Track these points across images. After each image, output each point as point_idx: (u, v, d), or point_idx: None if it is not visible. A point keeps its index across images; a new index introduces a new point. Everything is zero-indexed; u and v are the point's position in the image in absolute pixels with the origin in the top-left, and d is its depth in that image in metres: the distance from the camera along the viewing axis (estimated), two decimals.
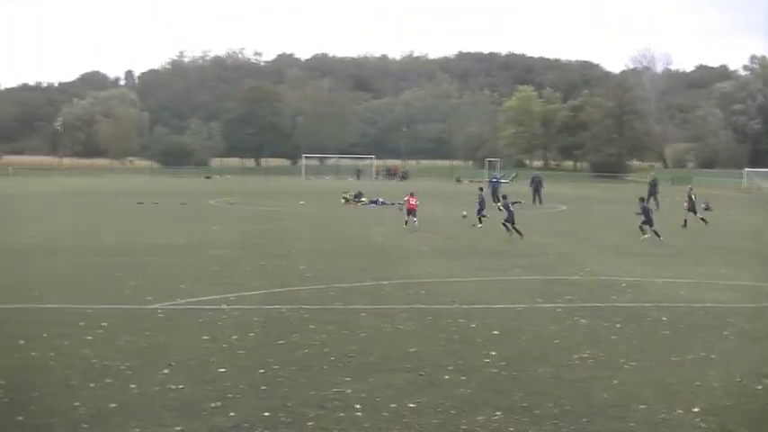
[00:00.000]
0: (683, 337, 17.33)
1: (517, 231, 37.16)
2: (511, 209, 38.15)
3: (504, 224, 37.73)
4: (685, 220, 45.25)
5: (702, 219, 46.07)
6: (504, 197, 40.40)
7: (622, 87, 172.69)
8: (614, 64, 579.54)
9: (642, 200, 39.52)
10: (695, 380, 13.96)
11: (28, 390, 12.92)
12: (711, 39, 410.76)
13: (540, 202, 63.18)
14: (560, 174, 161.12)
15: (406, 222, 41.38)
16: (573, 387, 13.44)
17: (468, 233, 39.74)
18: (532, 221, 44.77)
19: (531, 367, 14.63)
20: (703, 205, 49.50)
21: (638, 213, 38.23)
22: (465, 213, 47.46)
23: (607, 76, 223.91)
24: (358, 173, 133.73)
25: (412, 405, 12.36)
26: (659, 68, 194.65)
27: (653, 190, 61.82)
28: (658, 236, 36.46)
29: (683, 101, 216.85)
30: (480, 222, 42.87)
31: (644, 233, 37.19)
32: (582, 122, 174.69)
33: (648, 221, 37.45)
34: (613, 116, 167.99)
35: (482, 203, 44.27)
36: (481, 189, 47.54)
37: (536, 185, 67.09)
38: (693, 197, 46.69)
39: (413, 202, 41.89)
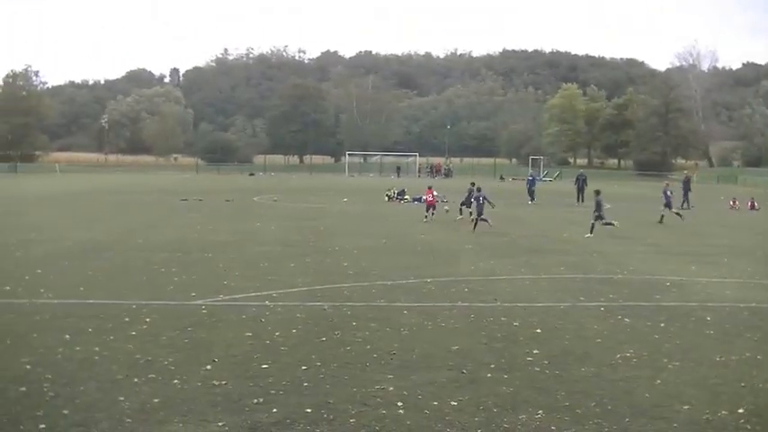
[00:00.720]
0: (727, 337, 17.19)
1: (475, 224, 39.00)
2: (482, 202, 39.82)
3: (477, 217, 39.55)
4: (662, 216, 45.87)
5: (678, 213, 46.87)
6: (479, 189, 41.48)
7: (667, 85, 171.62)
8: (659, 61, 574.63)
9: (597, 192, 39.68)
10: (740, 381, 13.84)
11: (73, 384, 13.03)
12: (759, 35, 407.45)
13: (583, 200, 62.89)
14: (604, 172, 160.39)
15: (426, 217, 43.72)
16: (615, 386, 13.38)
17: (513, 230, 39.61)
18: (576, 220, 44.58)
19: (574, 366, 14.59)
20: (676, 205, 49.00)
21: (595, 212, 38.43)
22: (447, 208, 48.34)
23: (652, 73, 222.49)
24: (398, 170, 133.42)
25: (454, 403, 12.36)
26: (705, 66, 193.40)
27: (686, 188, 61.65)
28: (611, 223, 36.41)
29: (729, 98, 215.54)
30: (461, 214, 44.39)
31: (593, 228, 37.43)
32: (626, 120, 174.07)
33: (600, 216, 37.46)
34: (658, 114, 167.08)
35: (469, 197, 45.05)
36: (473, 184, 48.02)
37: (580, 184, 66.89)
38: (670, 193, 47.45)
39: (430, 197, 43.24)
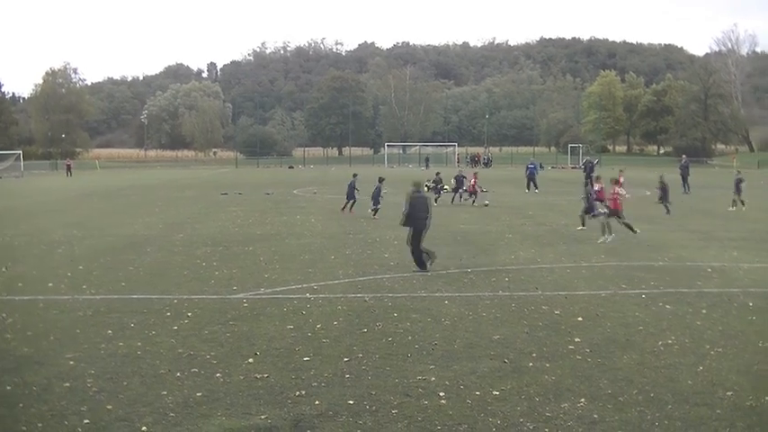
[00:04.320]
0: None
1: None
2: (380, 191, 41.63)
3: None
4: (735, 201, 45.94)
5: (741, 201, 46.54)
6: (438, 173, 42.34)
7: (707, 70, 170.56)
8: (698, 47, 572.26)
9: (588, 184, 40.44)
10: None
11: (117, 379, 13.13)
12: None
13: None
14: (644, 158, 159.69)
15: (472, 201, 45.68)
16: (658, 374, 13.33)
17: (553, 220, 39.51)
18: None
19: (616, 354, 14.54)
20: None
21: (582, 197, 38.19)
22: (487, 202, 48.25)
23: (691, 59, 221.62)
24: (426, 161, 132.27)
25: (496, 392, 12.35)
26: (744, 50, 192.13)
27: (684, 173, 61.28)
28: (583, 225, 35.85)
29: None
30: (435, 202, 44.01)
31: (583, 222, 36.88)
32: (665, 107, 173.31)
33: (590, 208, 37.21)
34: (698, 100, 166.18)
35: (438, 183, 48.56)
36: (438, 173, 49.11)
37: (588, 170, 65.91)
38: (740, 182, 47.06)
39: (473, 181, 44.54)
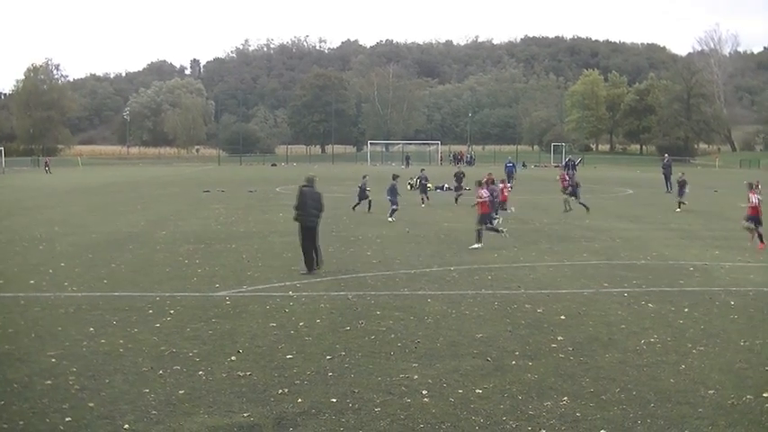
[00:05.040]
0: (752, 322, 17.15)
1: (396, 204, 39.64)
2: (364, 188, 42.05)
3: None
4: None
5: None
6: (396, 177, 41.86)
7: (689, 70, 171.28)
8: (681, 46, 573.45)
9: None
10: (765, 365, 13.82)
11: (98, 376, 13.10)
12: None
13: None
14: (626, 157, 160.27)
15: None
16: (640, 372, 13.37)
17: (535, 218, 39.59)
18: (599, 206, 44.49)
19: (599, 352, 14.58)
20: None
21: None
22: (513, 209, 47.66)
23: (673, 58, 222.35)
24: (407, 159, 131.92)
25: (479, 391, 12.37)
26: (727, 50, 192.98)
27: (667, 172, 61.40)
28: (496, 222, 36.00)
29: (751, 83, 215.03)
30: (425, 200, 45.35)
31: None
32: (648, 106, 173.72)
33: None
34: (680, 99, 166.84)
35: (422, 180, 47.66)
36: (422, 170, 49.24)
37: (570, 169, 65.96)
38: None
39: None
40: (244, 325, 16.72)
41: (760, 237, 28.66)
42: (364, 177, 44.54)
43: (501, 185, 40.30)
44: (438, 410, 11.50)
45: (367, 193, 42.85)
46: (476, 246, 28.75)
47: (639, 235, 32.99)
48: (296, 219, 23.87)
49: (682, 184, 45.80)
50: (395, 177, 41.43)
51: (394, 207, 39.43)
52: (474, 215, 31.11)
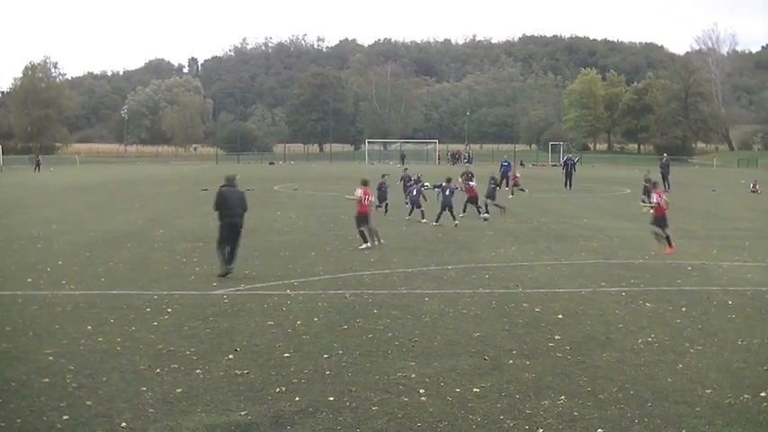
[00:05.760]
0: (749, 321, 17.16)
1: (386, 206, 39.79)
2: (384, 189, 40.62)
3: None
4: (512, 191, 48.80)
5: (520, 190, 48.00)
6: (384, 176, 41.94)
7: (687, 69, 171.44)
8: (679, 45, 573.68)
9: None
10: (762, 364, 13.83)
11: (96, 375, 13.10)
12: None
13: (571, 186, 61.42)
14: (624, 157, 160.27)
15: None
16: (638, 371, 13.38)
17: (533, 217, 39.59)
18: (596, 205, 44.47)
19: (596, 352, 14.59)
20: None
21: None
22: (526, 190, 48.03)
23: (671, 57, 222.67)
24: (402, 158, 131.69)
25: (476, 390, 12.37)
26: (725, 49, 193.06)
27: (665, 172, 61.23)
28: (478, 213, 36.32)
29: (749, 82, 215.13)
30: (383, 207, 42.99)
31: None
32: (646, 105, 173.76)
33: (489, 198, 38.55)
34: (678, 99, 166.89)
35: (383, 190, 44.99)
36: (405, 170, 49.48)
37: (569, 169, 65.71)
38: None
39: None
40: (241, 323, 16.72)
41: (668, 239, 27.98)
42: (384, 177, 43.09)
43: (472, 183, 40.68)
44: (435, 409, 11.50)
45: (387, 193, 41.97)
46: (363, 246, 28.35)
47: (637, 234, 32.96)
48: (219, 220, 23.03)
49: (650, 183, 43.59)
50: (408, 180, 41.55)
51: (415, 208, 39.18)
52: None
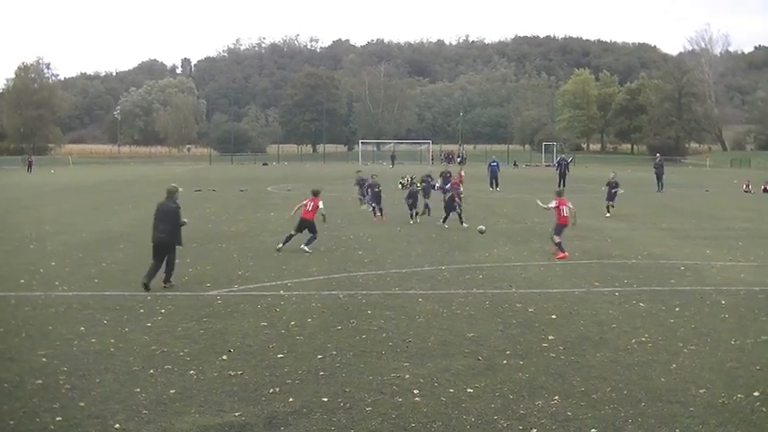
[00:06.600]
0: (742, 321, 17.19)
1: (380, 211, 39.11)
2: (377, 190, 39.73)
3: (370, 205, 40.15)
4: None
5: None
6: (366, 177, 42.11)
7: (680, 69, 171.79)
8: (672, 46, 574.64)
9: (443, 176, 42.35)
10: (755, 364, 13.85)
11: (89, 376, 13.09)
12: None
13: (564, 185, 60.85)
14: (617, 157, 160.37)
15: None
16: (631, 371, 13.39)
17: (527, 217, 39.59)
18: (590, 205, 44.48)
19: (590, 352, 14.60)
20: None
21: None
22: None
23: (664, 58, 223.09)
24: (392, 159, 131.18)
25: (470, 390, 12.38)
26: (718, 50, 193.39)
27: (659, 172, 61.27)
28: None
29: (742, 82, 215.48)
30: (364, 204, 43.65)
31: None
32: (639, 105, 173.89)
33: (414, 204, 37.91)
34: (671, 99, 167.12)
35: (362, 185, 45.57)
36: (358, 171, 49.64)
37: (563, 169, 65.71)
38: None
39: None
40: (235, 324, 16.72)
41: (559, 246, 27.28)
42: (373, 177, 42.19)
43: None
44: (429, 410, 11.50)
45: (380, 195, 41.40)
46: (280, 246, 28.08)
47: (630, 234, 33.03)
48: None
49: (612, 186, 42.89)
50: (372, 177, 41.40)
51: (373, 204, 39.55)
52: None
